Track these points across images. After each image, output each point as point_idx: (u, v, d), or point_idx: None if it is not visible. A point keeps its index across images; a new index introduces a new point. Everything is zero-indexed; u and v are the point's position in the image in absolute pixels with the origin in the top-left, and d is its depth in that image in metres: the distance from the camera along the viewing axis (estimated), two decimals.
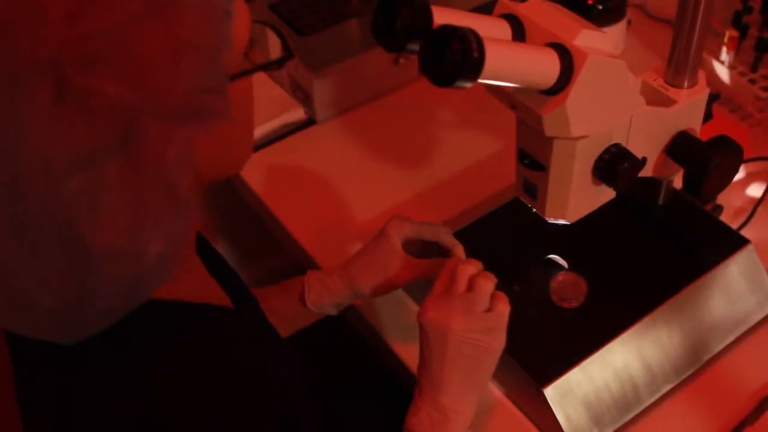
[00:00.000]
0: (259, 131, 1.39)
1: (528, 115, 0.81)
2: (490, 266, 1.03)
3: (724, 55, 1.39)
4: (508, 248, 1.08)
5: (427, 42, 0.67)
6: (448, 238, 1.01)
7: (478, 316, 0.85)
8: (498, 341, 0.86)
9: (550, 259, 1.07)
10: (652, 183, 1.07)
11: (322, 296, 1.02)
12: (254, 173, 1.34)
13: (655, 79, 0.98)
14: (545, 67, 0.74)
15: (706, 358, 1.03)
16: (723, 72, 1.39)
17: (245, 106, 0.71)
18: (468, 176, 1.31)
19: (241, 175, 1.34)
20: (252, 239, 1.62)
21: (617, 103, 0.83)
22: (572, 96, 0.76)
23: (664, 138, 0.97)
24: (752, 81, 1.36)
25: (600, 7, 1.49)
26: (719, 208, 1.18)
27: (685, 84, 0.96)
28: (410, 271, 0.99)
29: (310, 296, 1.02)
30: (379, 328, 1.11)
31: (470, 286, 0.86)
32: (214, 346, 0.73)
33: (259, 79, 0.70)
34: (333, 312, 1.04)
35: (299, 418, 0.79)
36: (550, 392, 0.93)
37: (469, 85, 0.68)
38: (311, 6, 1.45)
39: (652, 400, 0.99)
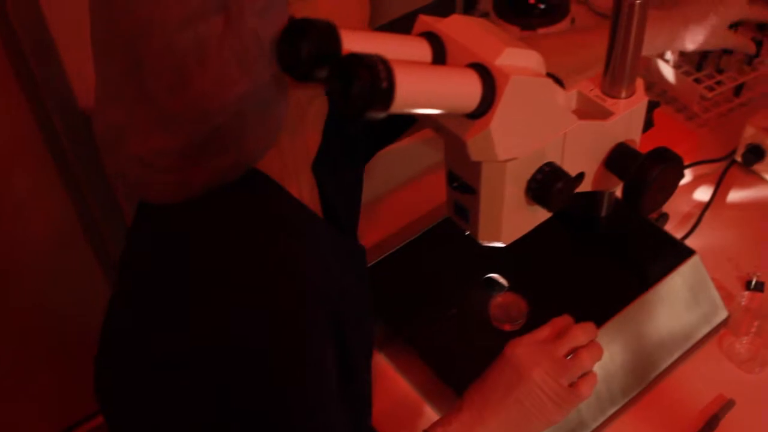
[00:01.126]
0: None
1: (452, 140, 0.76)
2: (426, 288, 0.99)
3: (669, 54, 1.35)
4: (445, 268, 1.04)
5: (333, 72, 0.62)
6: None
7: (559, 385, 0.83)
8: (560, 416, 0.84)
9: (490, 279, 1.03)
10: (594, 193, 1.03)
11: None
12: None
13: (591, 90, 0.94)
14: (465, 90, 0.70)
15: (652, 376, 1.00)
16: (668, 71, 1.36)
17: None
18: (406, 191, 1.26)
19: None
20: None
21: (546, 123, 0.79)
22: (496, 119, 0.71)
23: (603, 151, 0.92)
24: (697, 80, 1.33)
25: (542, 6, 1.45)
26: (665, 217, 1.14)
27: (623, 94, 0.92)
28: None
29: None
30: None
31: (572, 353, 0.85)
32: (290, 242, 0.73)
33: None
34: None
35: (354, 349, 0.78)
36: None
37: (381, 116, 0.63)
38: None
39: (597, 423, 0.96)
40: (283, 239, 0.73)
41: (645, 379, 0.99)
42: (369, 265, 1.05)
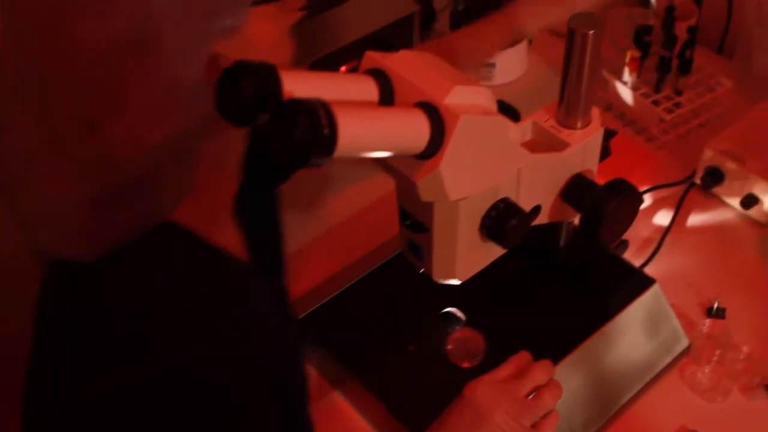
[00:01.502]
0: None
1: (402, 180, 0.74)
2: (383, 324, 0.97)
3: (627, 75, 1.34)
4: (402, 303, 1.01)
5: (273, 118, 0.59)
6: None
7: (521, 426, 0.81)
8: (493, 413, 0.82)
9: (448, 313, 1.00)
10: (552, 223, 1.01)
11: None
12: None
13: (546, 120, 0.92)
14: (413, 132, 0.67)
15: (614, 408, 0.98)
16: (626, 93, 1.35)
17: None
18: (362, 220, 1.23)
19: None
20: None
21: (499, 161, 0.77)
22: (446, 160, 0.69)
23: (559, 183, 0.91)
24: (656, 102, 1.32)
25: None
26: (624, 244, 1.13)
27: (578, 124, 0.90)
28: None
29: None
30: None
31: (532, 393, 0.83)
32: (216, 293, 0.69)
33: None
34: None
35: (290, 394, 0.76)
36: None
37: (324, 162, 0.60)
38: None
39: None
40: (207, 289, 0.70)
41: (607, 412, 0.98)
42: (324, 301, 1.03)
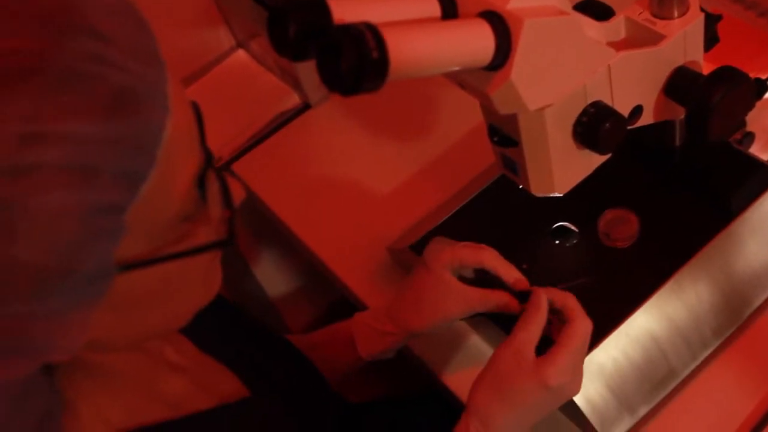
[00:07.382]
0: (256, 124, 1.33)
1: (478, 95, 0.71)
2: (493, 244, 0.95)
3: None
4: (512, 221, 0.99)
5: (320, 49, 0.58)
6: (493, 263, 0.85)
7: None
8: (577, 387, 0.79)
9: (560, 227, 0.97)
10: (665, 123, 0.95)
11: (375, 345, 0.93)
12: (255, 176, 1.27)
13: (640, 13, 0.86)
14: (475, 45, 0.64)
15: (746, 313, 0.92)
16: None
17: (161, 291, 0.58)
18: (472, 141, 1.21)
19: (245, 179, 1.28)
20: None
21: (578, 63, 0.73)
22: (516, 68, 0.66)
23: (660, 79, 0.85)
24: None
25: None
26: (750, 137, 1.05)
27: (675, 13, 0.84)
28: (466, 302, 0.86)
29: (361, 346, 0.93)
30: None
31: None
32: None
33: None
34: (390, 356, 0.95)
35: None
36: None
37: (380, 86, 0.59)
38: None
39: (688, 371, 0.89)
40: None
41: (738, 317, 0.92)
42: (432, 227, 1.01)
